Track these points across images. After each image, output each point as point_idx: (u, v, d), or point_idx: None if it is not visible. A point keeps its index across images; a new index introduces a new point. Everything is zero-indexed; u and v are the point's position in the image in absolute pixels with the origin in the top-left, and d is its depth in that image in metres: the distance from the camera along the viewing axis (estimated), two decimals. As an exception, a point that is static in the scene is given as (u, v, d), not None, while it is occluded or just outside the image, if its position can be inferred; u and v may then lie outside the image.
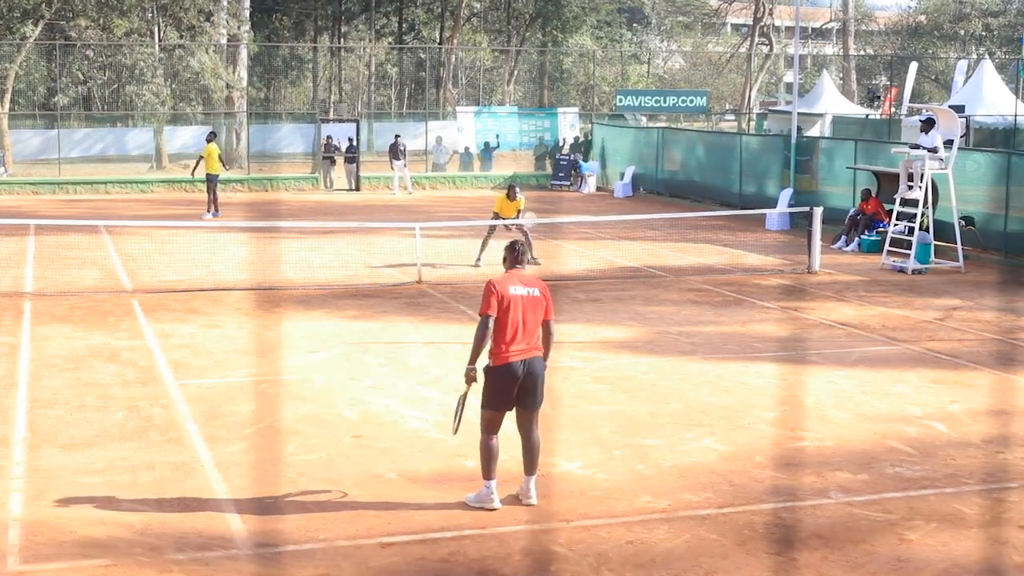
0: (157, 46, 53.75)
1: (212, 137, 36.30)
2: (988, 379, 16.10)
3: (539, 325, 10.81)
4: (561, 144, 50.42)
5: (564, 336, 18.38)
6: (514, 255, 11.07)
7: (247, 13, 53.97)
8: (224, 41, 52.74)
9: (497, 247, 24.39)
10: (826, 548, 9.93)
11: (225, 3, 51.93)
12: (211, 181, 35.16)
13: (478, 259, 25.47)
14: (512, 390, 10.69)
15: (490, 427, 10.79)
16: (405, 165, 46.38)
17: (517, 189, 25.76)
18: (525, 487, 10.88)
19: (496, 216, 25.67)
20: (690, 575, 9.37)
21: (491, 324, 10.66)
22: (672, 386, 15.47)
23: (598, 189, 47.07)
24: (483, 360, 10.75)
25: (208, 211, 34.91)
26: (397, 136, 46.60)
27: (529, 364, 10.69)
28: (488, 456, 10.77)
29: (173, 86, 53.50)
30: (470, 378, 10.87)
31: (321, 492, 11.14)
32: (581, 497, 11.08)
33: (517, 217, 25.47)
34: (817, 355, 17.57)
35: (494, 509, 10.66)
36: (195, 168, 36.55)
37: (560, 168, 48.34)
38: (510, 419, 10.82)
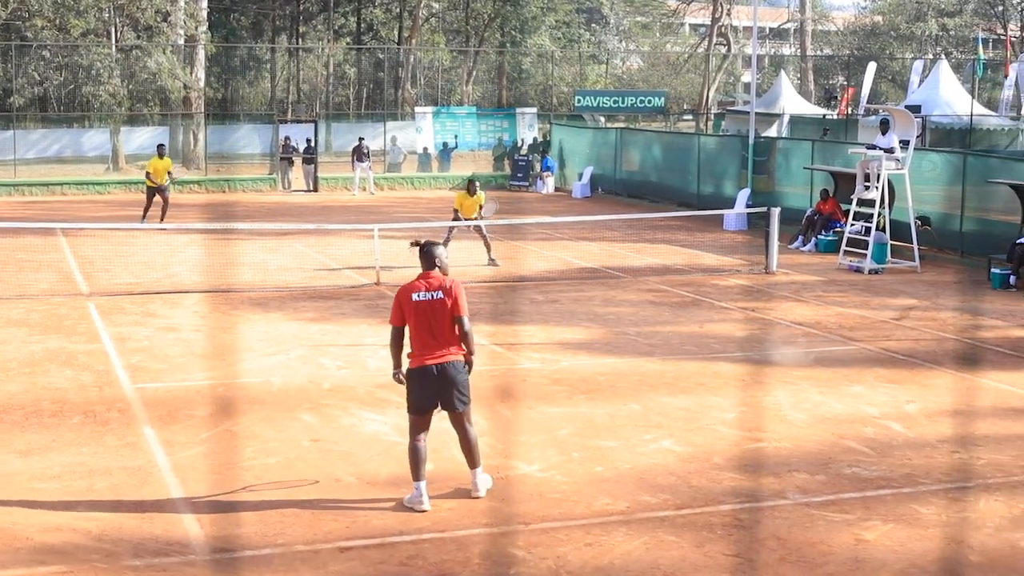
0: (114, 46, 53.43)
1: (161, 151, 34.72)
2: (944, 379, 16.20)
3: (450, 327, 10.83)
4: (520, 144, 50.44)
5: (522, 337, 18.42)
6: (425, 257, 11.05)
7: (204, 13, 53.76)
8: (181, 41, 52.53)
9: (457, 248, 24.50)
10: (784, 549, 9.97)
11: (182, 3, 51.70)
12: (158, 191, 33.35)
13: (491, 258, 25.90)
14: (429, 393, 10.78)
15: (414, 429, 10.88)
16: (370, 167, 46.36)
17: (477, 184, 25.96)
18: (472, 480, 10.98)
19: (456, 214, 25.73)
20: (648, 577, 9.40)
21: (400, 333, 10.91)
22: (630, 387, 15.49)
23: (556, 189, 47.10)
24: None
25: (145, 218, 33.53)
26: (361, 139, 46.57)
27: (442, 368, 10.75)
28: (415, 458, 10.82)
29: (130, 87, 53.18)
30: (398, 381, 11.06)
31: (279, 496, 11.10)
32: (539, 500, 11.09)
33: (479, 213, 25.53)
34: (775, 355, 17.65)
35: (423, 511, 10.68)
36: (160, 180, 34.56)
37: (519, 168, 48.36)
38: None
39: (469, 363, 11.00)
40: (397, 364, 11.01)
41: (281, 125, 49.90)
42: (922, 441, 13.25)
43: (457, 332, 10.88)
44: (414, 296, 10.82)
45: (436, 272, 10.98)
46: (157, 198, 33.01)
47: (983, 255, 25.91)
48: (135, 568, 9.45)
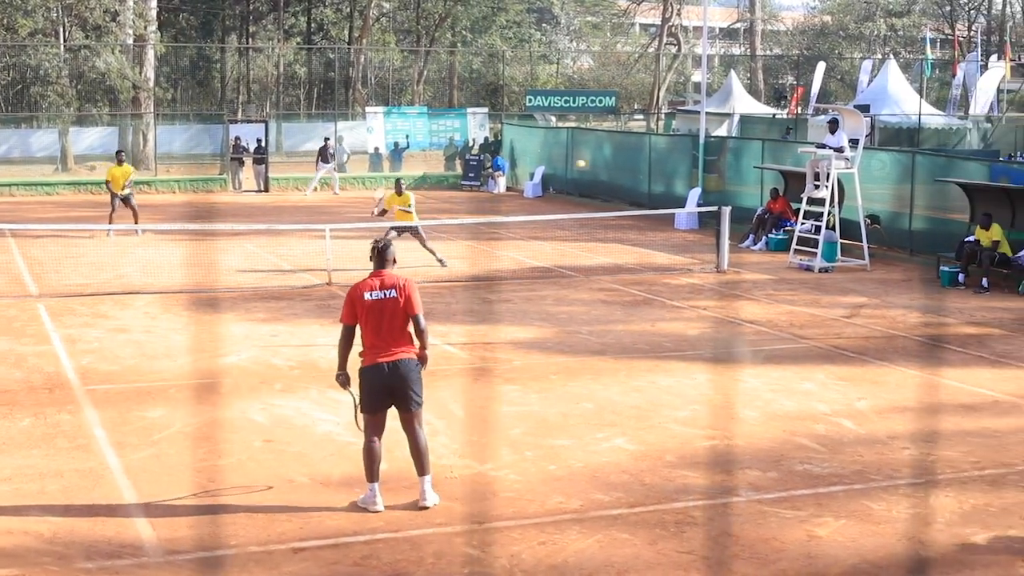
0: (62, 46, 53.09)
1: (120, 157, 33.74)
2: (895, 376, 16.31)
3: (402, 326, 10.80)
4: (471, 144, 50.44)
5: (474, 337, 18.42)
6: (377, 256, 11.04)
7: (154, 13, 53.44)
8: (131, 41, 52.18)
9: (405, 249, 24.46)
10: (737, 546, 10.01)
11: (131, 3, 51.35)
12: (122, 199, 32.23)
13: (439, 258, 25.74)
14: (381, 392, 10.75)
15: (369, 429, 10.86)
16: (335, 168, 46.27)
17: (403, 183, 26.39)
18: (420, 488, 10.89)
19: (384, 213, 25.85)
20: (602, 575, 9.41)
21: (351, 331, 10.89)
22: (583, 386, 15.52)
23: (508, 189, 47.11)
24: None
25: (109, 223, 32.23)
26: (327, 139, 46.48)
27: (394, 366, 10.72)
28: (368, 459, 10.81)
29: (79, 87, 52.84)
30: (340, 384, 11.07)
31: (232, 497, 11.06)
32: (493, 499, 11.09)
33: (409, 209, 25.44)
34: (726, 354, 17.72)
35: (377, 511, 10.67)
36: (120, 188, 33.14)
37: (470, 168, 48.36)
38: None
39: (423, 359, 10.98)
40: (342, 364, 10.98)
41: (231, 125, 49.66)
42: (873, 438, 13.34)
43: (412, 330, 10.85)
44: (366, 295, 10.79)
45: (389, 271, 10.96)
46: (124, 205, 31.96)
47: (932, 253, 26.10)
48: (87, 571, 9.40)
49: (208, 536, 10.10)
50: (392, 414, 10.90)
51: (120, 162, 32.98)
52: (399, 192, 25.76)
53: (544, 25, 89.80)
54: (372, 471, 10.78)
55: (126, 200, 31.86)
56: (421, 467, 10.89)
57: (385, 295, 10.77)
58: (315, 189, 45.43)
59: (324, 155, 45.72)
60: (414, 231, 25.56)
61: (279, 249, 28.40)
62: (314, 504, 10.92)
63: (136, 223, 30.92)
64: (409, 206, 25.57)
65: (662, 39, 74.60)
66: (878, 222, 28.09)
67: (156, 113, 53.68)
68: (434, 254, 25.49)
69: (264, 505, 10.88)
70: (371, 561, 9.65)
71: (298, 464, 12.13)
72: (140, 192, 41.77)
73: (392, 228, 25.62)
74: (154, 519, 10.49)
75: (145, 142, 50.56)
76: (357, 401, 10.98)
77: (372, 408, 10.81)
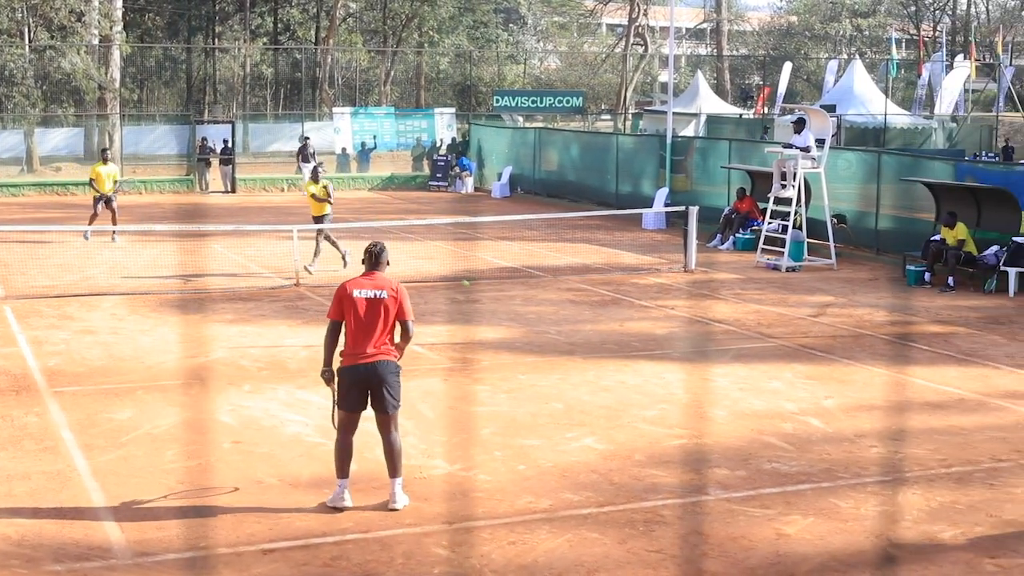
0: (27, 47, 52.80)
1: (105, 155, 32.71)
2: (862, 374, 16.38)
3: (388, 328, 10.79)
4: (438, 145, 50.41)
5: (443, 337, 18.42)
6: (370, 259, 11.00)
7: (119, 13, 53.23)
8: (96, 42, 51.99)
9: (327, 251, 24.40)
10: (706, 544, 10.04)
11: (97, 3, 51.17)
12: (104, 200, 31.31)
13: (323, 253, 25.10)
14: (359, 392, 10.75)
15: (342, 427, 10.84)
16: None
17: (321, 171, 25.89)
18: (390, 490, 10.87)
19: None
20: (572, 575, 9.43)
21: (338, 327, 10.83)
22: (552, 386, 15.54)
23: (476, 189, 47.12)
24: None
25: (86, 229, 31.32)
26: (307, 138, 46.34)
27: (373, 367, 10.70)
28: (341, 456, 10.82)
29: (44, 87, 52.59)
30: (325, 380, 10.99)
31: (201, 499, 11.03)
32: (463, 499, 11.10)
33: (327, 200, 24.95)
34: (694, 353, 17.77)
35: (344, 509, 10.68)
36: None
37: (438, 168, 48.34)
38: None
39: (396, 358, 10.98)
40: (328, 360, 10.92)
41: (198, 126, 49.52)
42: (840, 436, 13.40)
43: (400, 334, 10.85)
44: (356, 292, 10.75)
45: (381, 273, 10.93)
46: (105, 207, 30.91)
47: (898, 252, 26.22)
48: (56, 573, 9.36)
49: (177, 538, 10.07)
50: (368, 415, 10.89)
51: (105, 160, 31.94)
52: (316, 179, 25.29)
53: (511, 25, 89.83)
54: (343, 468, 10.78)
55: (108, 201, 30.97)
56: (393, 469, 10.87)
57: (376, 295, 10.74)
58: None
59: (304, 154, 45.55)
60: (318, 220, 25.02)
61: (246, 250, 28.32)
62: (283, 505, 10.90)
63: (114, 225, 30.28)
64: (322, 196, 24.92)
65: (629, 39, 74.76)
66: (844, 221, 28.22)
67: (122, 114, 53.50)
68: (314, 256, 24.85)
69: (233, 506, 10.86)
70: (341, 562, 9.64)
71: (267, 465, 12.10)
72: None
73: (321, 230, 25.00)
74: (123, 521, 10.46)
75: (111, 143, 50.33)
76: (336, 398, 10.95)
77: (348, 406, 10.79)
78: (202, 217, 35.16)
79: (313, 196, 25.05)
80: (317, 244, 24.87)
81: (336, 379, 10.86)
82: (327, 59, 68.85)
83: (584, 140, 44.38)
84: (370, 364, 10.68)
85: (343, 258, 24.66)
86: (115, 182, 31.51)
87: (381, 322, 10.73)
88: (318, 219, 25.06)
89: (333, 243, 25.04)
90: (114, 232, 30.13)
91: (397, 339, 10.93)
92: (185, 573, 9.40)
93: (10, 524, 10.33)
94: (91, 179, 31.70)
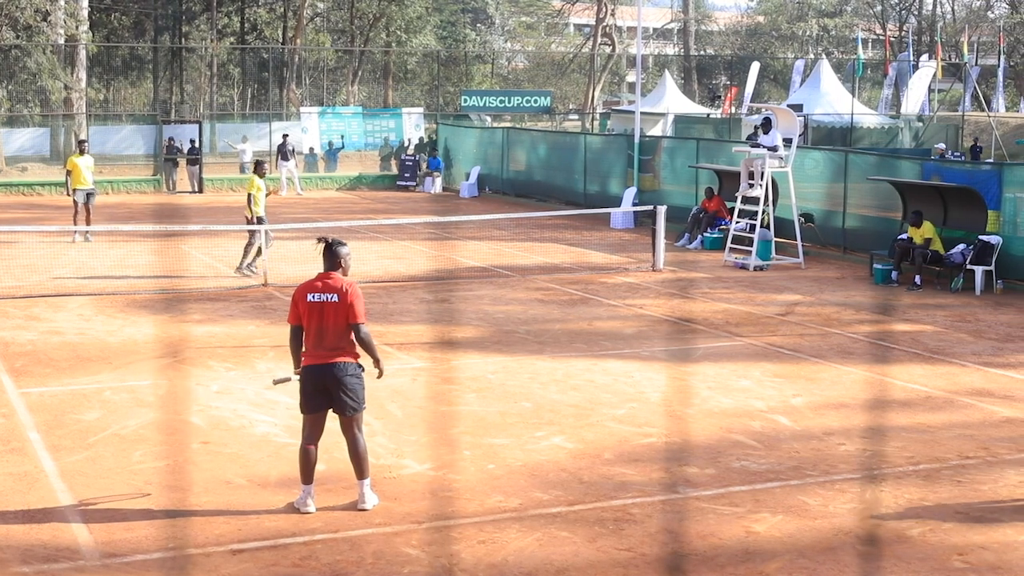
0: (-8, 47, 52.59)
1: (81, 147, 31.82)
2: (829, 372, 16.44)
3: (342, 331, 10.69)
4: (406, 144, 50.38)
5: (412, 337, 18.41)
6: (328, 256, 10.83)
7: (85, 13, 53.03)
8: (62, 41, 51.75)
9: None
10: (676, 542, 10.06)
11: (63, 3, 50.93)
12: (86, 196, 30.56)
13: (247, 265, 24.66)
14: (316, 394, 10.68)
15: (306, 431, 10.81)
16: (296, 165, 46.00)
17: (263, 165, 25.53)
18: (359, 491, 10.84)
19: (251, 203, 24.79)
20: (542, 573, 9.43)
21: (298, 331, 10.79)
22: (521, 385, 15.54)
23: (444, 189, 47.11)
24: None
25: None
26: (285, 136, 46.20)
27: (329, 368, 10.62)
28: (304, 461, 10.74)
29: (9, 87, 52.31)
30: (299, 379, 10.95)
31: (169, 500, 10.99)
32: (432, 498, 11.09)
33: (255, 196, 24.61)
34: (663, 352, 17.80)
35: (308, 513, 10.64)
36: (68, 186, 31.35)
37: (406, 168, 48.31)
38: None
39: (379, 370, 10.91)
40: (296, 363, 10.87)
41: (165, 126, 49.35)
42: (809, 434, 13.44)
43: (353, 339, 10.77)
44: (309, 296, 10.69)
45: (337, 273, 10.82)
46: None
47: (865, 251, 26.36)
48: (23, 574, 9.31)
49: (146, 539, 10.03)
50: (332, 417, 10.86)
51: (82, 151, 30.93)
52: (260, 174, 24.87)
53: (479, 25, 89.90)
54: (307, 474, 10.71)
55: (88, 197, 30.16)
56: (360, 471, 10.81)
57: (327, 298, 10.64)
58: (291, 188, 45.11)
59: (283, 152, 45.43)
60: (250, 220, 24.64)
61: (214, 250, 28.22)
62: (252, 506, 10.87)
63: (88, 224, 29.58)
64: (251, 192, 24.59)
65: (596, 39, 74.86)
66: (812, 220, 28.32)
67: (88, 113, 53.27)
68: (244, 258, 24.63)
69: (202, 507, 10.82)
70: (310, 562, 9.62)
71: (235, 465, 12.06)
72: (72, 193, 41.28)
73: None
74: (91, 522, 10.40)
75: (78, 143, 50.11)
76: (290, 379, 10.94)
77: (308, 408, 10.75)
78: (169, 217, 35.02)
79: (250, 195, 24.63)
80: (248, 245, 24.70)
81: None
82: (294, 58, 68.71)
83: (552, 140, 44.45)
84: (325, 365, 10.61)
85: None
86: (94, 189, 30.67)
87: (335, 325, 10.63)
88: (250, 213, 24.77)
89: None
90: (87, 232, 29.56)
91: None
92: (154, 574, 9.36)
93: (-23, 526, 10.27)
94: (67, 172, 30.73)
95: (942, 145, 46.39)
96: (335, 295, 10.64)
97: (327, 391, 10.65)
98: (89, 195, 30.28)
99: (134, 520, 10.48)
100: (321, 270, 10.84)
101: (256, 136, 51.10)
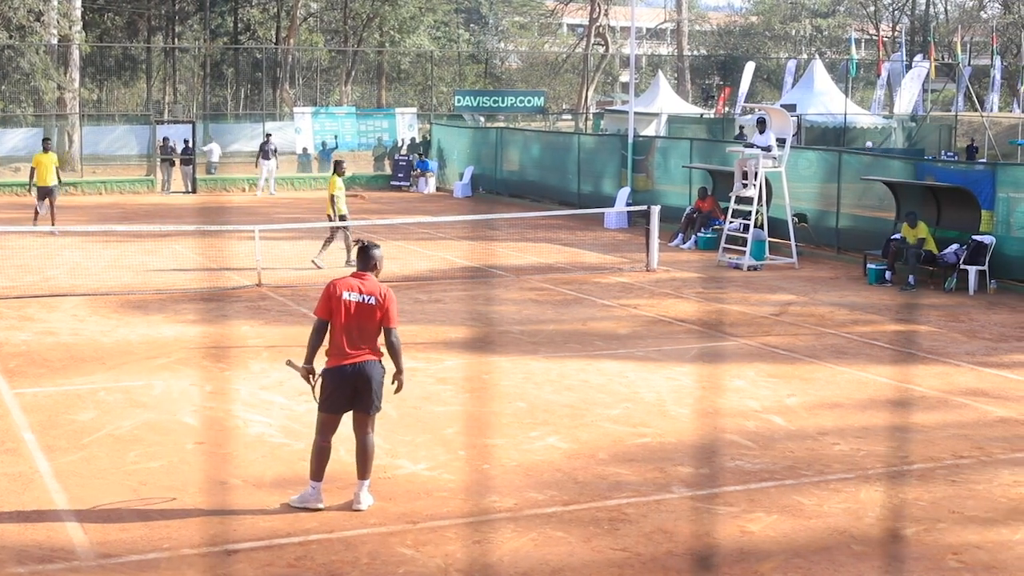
0: (-16, 47, 52.54)
1: (47, 145, 32.58)
2: (823, 372, 16.46)
3: (373, 333, 10.71)
4: (400, 145, 50.37)
5: (406, 337, 18.29)
6: (362, 258, 10.91)
7: (78, 13, 52.95)
8: (55, 41, 51.68)
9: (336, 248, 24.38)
10: (671, 542, 10.06)
11: (56, 3, 50.87)
12: (46, 194, 31.11)
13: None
14: (344, 394, 10.67)
15: (323, 429, 10.78)
16: (277, 166, 45.96)
17: (343, 164, 26.17)
18: (356, 491, 10.84)
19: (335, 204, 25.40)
20: (537, 573, 9.43)
21: (324, 325, 10.71)
22: (515, 385, 15.54)
23: (438, 189, 47.10)
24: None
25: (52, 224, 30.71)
26: (268, 135, 46.08)
27: (361, 367, 10.62)
28: (318, 458, 10.75)
29: (2, 87, 52.24)
30: (305, 377, 10.89)
31: (164, 500, 10.98)
32: (427, 498, 11.09)
33: (336, 195, 25.21)
34: (657, 352, 17.80)
35: (318, 509, 10.65)
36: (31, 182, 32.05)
37: (399, 168, 48.30)
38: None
39: (399, 381, 10.88)
40: (309, 358, 10.80)
41: (158, 126, 49.28)
42: (803, 434, 13.46)
43: (383, 342, 10.74)
44: (344, 294, 10.66)
45: (371, 275, 10.85)
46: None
47: (859, 251, 26.36)
48: (19, 575, 9.31)
49: (140, 539, 10.02)
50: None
51: (47, 149, 31.38)
52: (340, 173, 25.60)
53: (472, 25, 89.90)
54: (319, 470, 10.72)
55: (49, 193, 30.42)
56: (363, 471, 10.83)
57: (364, 299, 10.64)
58: (263, 188, 45.07)
59: (265, 152, 45.38)
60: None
61: (208, 251, 28.21)
62: (247, 506, 10.86)
63: (53, 224, 29.80)
64: (334, 192, 25.36)
65: (590, 39, 74.89)
66: (805, 220, 28.35)
67: (81, 114, 53.20)
68: (322, 249, 25.52)
69: (197, 507, 10.82)
70: (305, 562, 9.62)
71: (230, 466, 12.06)
72: (66, 194, 41.32)
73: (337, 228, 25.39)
74: (86, 523, 10.40)
75: (71, 143, 50.09)
76: (317, 398, 10.86)
77: (332, 408, 10.73)
78: (163, 217, 34.99)
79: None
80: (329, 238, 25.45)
81: (320, 380, 10.79)
82: (288, 59, 68.67)
83: (546, 140, 44.42)
84: (357, 364, 10.61)
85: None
86: (55, 187, 30.89)
87: (368, 326, 10.66)
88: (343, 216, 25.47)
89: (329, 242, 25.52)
90: (54, 229, 29.60)
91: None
92: (149, 574, 9.36)
93: (-29, 526, 10.27)
94: (32, 168, 31.03)
95: None
96: (373, 298, 10.65)
97: (357, 391, 10.65)
98: (49, 193, 30.56)
99: (129, 520, 10.47)
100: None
101: (249, 136, 51.00)
